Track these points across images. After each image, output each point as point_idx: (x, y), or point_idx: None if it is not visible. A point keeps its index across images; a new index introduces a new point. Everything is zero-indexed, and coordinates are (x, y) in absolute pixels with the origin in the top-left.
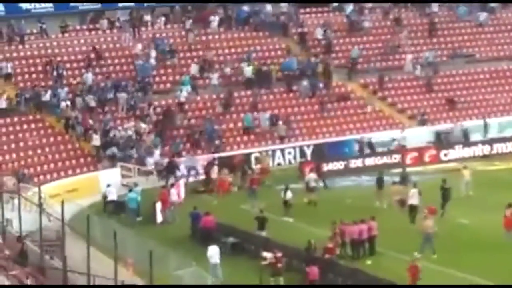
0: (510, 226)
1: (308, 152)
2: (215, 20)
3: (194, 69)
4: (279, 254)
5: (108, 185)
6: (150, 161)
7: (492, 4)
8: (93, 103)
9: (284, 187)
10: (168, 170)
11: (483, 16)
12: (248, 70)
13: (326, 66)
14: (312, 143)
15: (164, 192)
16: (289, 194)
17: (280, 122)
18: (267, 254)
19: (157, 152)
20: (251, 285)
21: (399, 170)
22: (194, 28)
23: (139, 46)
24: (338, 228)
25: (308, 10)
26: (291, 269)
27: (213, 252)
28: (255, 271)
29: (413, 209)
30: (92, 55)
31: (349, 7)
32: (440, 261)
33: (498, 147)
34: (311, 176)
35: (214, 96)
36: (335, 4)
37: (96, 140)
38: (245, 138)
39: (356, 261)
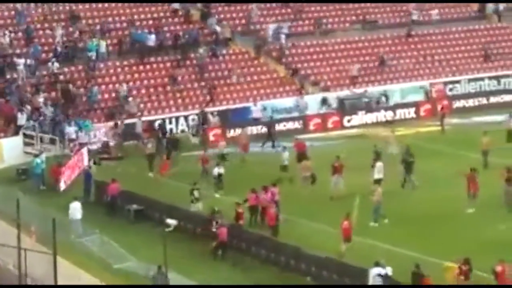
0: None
1: (212, 118)
2: None
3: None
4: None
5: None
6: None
7: None
8: None
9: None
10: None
11: None
12: (92, 45)
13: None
14: (216, 109)
15: (55, 169)
16: (220, 169)
17: (130, 98)
18: (171, 221)
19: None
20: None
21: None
22: None
23: None
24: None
25: None
26: (195, 237)
27: (74, 208)
28: (159, 238)
29: (377, 182)
30: None
31: None
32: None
33: (401, 113)
34: (286, 155)
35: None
36: None
37: (21, 119)
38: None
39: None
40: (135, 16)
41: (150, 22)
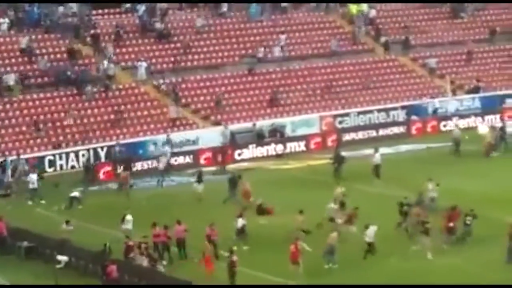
0: None
1: (102, 154)
2: (4, 22)
3: None
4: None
5: None
6: None
7: (284, 4)
8: None
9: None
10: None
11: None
12: None
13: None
14: (106, 145)
15: None
16: (241, 221)
17: None
18: (62, 258)
19: None
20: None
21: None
22: None
23: None
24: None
25: (100, 11)
26: (86, 274)
27: None
28: (50, 274)
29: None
30: None
31: (142, 8)
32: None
33: (291, 146)
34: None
35: None
36: (128, 5)
37: None
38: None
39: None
40: None
41: None
